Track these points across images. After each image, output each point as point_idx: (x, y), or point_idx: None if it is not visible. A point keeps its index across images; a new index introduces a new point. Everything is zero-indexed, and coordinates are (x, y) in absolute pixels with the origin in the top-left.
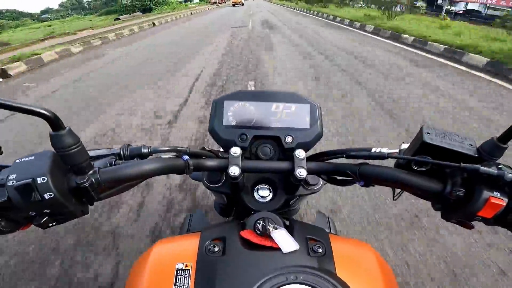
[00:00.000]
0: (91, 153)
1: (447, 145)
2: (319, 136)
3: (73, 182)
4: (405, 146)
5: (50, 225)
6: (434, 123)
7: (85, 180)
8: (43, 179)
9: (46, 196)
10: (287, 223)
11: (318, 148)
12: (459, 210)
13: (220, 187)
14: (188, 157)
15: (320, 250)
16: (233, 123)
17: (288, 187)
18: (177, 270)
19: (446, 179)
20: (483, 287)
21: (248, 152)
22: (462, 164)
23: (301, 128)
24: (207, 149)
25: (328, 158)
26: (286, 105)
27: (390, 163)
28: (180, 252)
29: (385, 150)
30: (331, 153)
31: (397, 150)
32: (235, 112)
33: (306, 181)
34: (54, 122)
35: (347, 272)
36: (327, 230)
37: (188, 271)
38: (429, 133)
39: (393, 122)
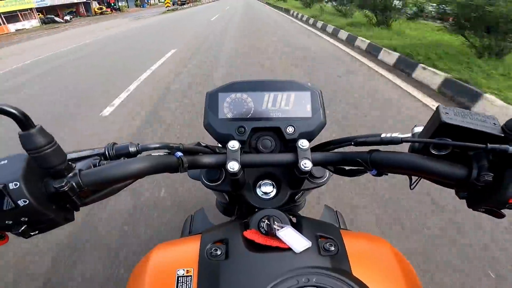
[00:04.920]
0: (73, 155)
1: (469, 124)
2: (322, 125)
3: (51, 187)
4: (418, 129)
5: (31, 234)
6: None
7: (63, 184)
8: (15, 185)
9: (20, 203)
10: (294, 220)
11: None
12: (488, 197)
13: (219, 185)
14: (182, 154)
15: (332, 248)
16: (229, 116)
17: (292, 182)
18: (177, 277)
19: (471, 163)
20: None
21: (248, 146)
22: (489, 145)
23: (303, 117)
24: (203, 144)
25: (334, 147)
26: (285, 93)
27: (399, 148)
28: (180, 257)
29: (396, 135)
30: (337, 142)
31: (410, 135)
32: (231, 104)
33: (312, 174)
34: (22, 120)
35: (364, 271)
36: (337, 226)
37: (190, 277)
38: (447, 113)
39: None
